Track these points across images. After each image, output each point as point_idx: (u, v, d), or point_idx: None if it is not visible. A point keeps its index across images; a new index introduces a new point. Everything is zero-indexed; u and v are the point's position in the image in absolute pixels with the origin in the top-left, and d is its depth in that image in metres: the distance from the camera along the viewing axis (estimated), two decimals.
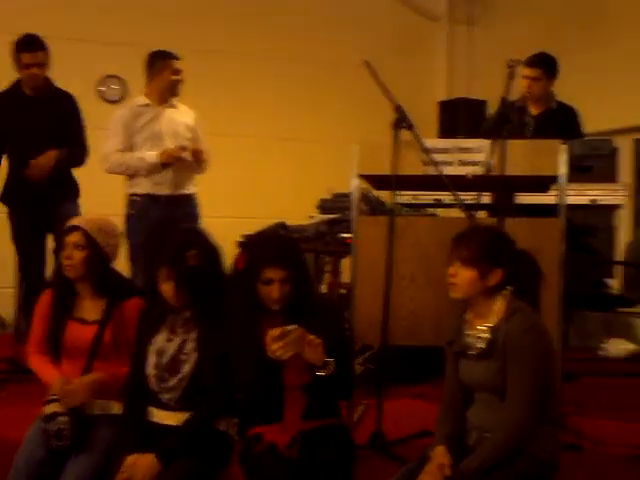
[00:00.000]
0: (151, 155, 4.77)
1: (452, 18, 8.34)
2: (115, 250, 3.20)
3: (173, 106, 4.93)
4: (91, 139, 6.84)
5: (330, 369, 2.66)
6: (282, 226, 4.97)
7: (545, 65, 4.91)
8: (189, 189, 4.94)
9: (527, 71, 4.91)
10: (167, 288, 2.88)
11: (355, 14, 7.83)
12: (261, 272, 2.78)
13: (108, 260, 3.15)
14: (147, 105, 4.88)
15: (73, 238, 3.10)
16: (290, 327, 2.59)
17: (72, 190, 4.95)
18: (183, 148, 4.77)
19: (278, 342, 2.57)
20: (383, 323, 3.42)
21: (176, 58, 4.87)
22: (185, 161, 4.79)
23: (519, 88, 4.89)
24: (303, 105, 7.52)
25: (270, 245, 2.90)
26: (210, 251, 2.98)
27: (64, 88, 6.82)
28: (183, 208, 4.85)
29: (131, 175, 4.86)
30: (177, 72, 4.85)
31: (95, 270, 3.11)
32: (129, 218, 4.84)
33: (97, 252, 3.09)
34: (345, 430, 2.95)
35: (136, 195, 4.86)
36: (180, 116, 4.93)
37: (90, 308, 3.15)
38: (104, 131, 6.87)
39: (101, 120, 6.98)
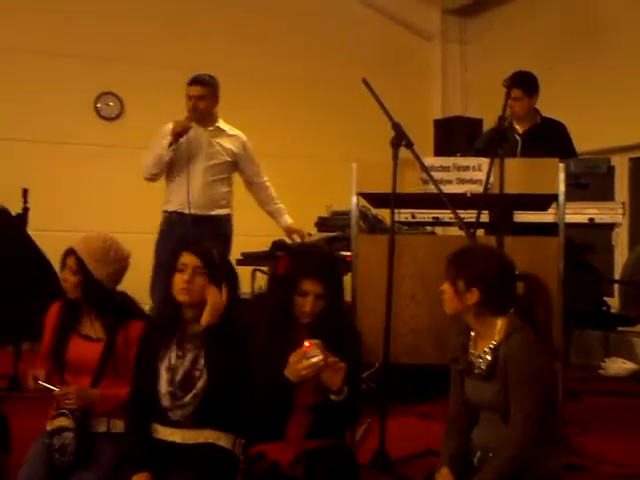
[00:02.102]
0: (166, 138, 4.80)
1: (446, 37, 8.39)
2: (112, 276, 3.14)
3: (218, 129, 4.94)
4: (87, 155, 6.95)
5: (343, 396, 2.65)
6: (281, 244, 4.98)
7: (522, 84, 4.91)
8: (219, 210, 4.92)
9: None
10: (197, 280, 2.89)
11: (351, 34, 7.88)
12: (299, 283, 2.79)
13: (102, 285, 3.10)
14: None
15: (69, 261, 3.10)
16: (315, 341, 2.61)
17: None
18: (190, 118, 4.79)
19: (303, 361, 2.59)
20: (385, 341, 3.42)
21: (192, 83, 4.85)
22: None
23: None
24: (301, 123, 7.57)
25: (313, 257, 2.92)
26: (230, 264, 3.04)
27: (60, 104, 6.92)
28: (211, 228, 4.81)
29: (158, 164, 4.83)
30: (189, 98, 4.83)
31: (90, 293, 3.09)
32: (159, 234, 4.89)
33: (89, 278, 3.07)
34: (348, 449, 2.95)
35: (166, 212, 4.91)
36: (222, 140, 4.94)
37: (94, 326, 3.13)
38: (101, 148, 6.99)
39: (97, 137, 7.07)
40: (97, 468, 2.87)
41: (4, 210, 3.93)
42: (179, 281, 2.91)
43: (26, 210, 5.13)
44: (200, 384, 2.86)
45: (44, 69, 6.97)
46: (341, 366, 2.64)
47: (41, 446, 2.94)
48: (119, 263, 3.16)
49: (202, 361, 2.89)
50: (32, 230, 5.11)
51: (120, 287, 3.22)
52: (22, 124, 6.85)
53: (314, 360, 2.60)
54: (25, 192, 5.14)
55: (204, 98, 4.83)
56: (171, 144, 4.75)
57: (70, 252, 3.10)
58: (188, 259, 2.94)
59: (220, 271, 2.95)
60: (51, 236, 6.01)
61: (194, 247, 3.01)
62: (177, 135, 4.75)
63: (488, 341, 2.66)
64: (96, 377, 3.05)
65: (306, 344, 2.62)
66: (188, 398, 2.86)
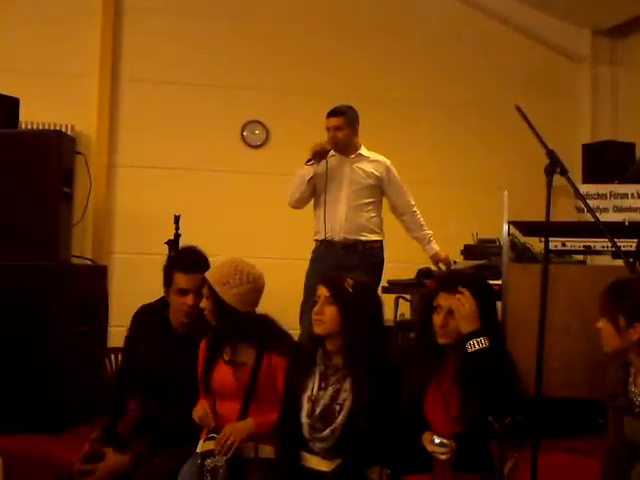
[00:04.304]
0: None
1: (596, 59, 8.12)
2: (243, 298, 3.16)
3: (359, 156, 5.00)
4: (234, 182, 7.13)
5: (482, 345, 2.63)
6: (427, 272, 4.94)
7: None
8: (368, 236, 4.93)
9: None
10: (327, 311, 2.91)
11: (498, 57, 7.76)
12: (436, 296, 2.79)
13: (232, 309, 3.14)
14: (332, 156, 4.96)
15: (204, 290, 3.18)
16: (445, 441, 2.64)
17: None
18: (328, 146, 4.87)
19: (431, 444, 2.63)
20: (537, 374, 3.31)
21: (330, 114, 4.95)
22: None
23: None
24: (446, 149, 7.49)
25: (453, 275, 2.90)
26: (368, 293, 3.00)
27: (209, 132, 7.15)
28: (362, 255, 4.85)
29: (300, 185, 4.93)
30: (327, 129, 4.93)
31: (222, 317, 3.15)
32: (310, 262, 4.96)
33: (219, 303, 3.13)
34: None
35: (317, 241, 4.99)
36: (364, 165, 4.98)
37: (237, 351, 3.19)
38: (247, 175, 7.15)
39: (243, 164, 7.24)
40: None
41: None
42: (312, 313, 2.94)
43: (178, 236, 5.30)
44: (340, 419, 2.85)
45: (193, 99, 7.19)
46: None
47: (193, 467, 3.02)
48: (249, 284, 3.18)
49: (343, 395, 2.89)
50: None
51: (269, 312, 3.28)
52: (173, 153, 7.09)
53: (440, 457, 2.64)
54: (177, 219, 5.31)
55: (342, 128, 4.91)
56: (309, 161, 4.83)
57: (204, 280, 3.19)
58: (320, 291, 2.97)
59: (353, 300, 2.92)
60: None
61: (325, 278, 3.04)
62: (316, 153, 4.83)
63: None
64: (245, 402, 3.11)
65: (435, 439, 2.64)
66: (327, 432, 2.86)
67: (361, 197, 4.93)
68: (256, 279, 3.22)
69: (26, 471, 3.97)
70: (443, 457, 2.62)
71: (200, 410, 3.14)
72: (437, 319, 2.76)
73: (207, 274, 3.19)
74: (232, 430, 3.02)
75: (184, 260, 3.46)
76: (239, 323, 3.15)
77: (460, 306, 2.67)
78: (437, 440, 2.63)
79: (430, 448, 2.64)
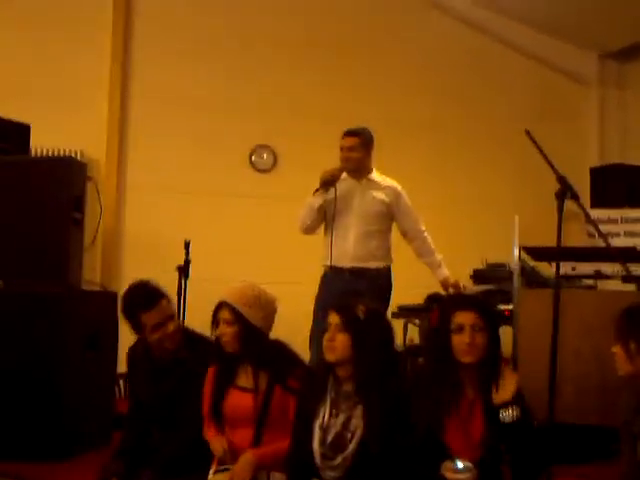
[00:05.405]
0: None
1: (603, 82, 8.13)
2: (266, 321, 3.19)
3: (371, 181, 4.97)
4: (243, 206, 7.13)
5: (513, 413, 2.61)
6: (435, 297, 4.92)
7: None
8: (377, 263, 4.89)
9: None
10: (339, 338, 2.89)
11: (504, 81, 7.79)
12: (452, 318, 2.75)
13: (260, 332, 3.15)
14: (344, 179, 4.93)
15: (223, 315, 3.14)
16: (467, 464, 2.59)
17: None
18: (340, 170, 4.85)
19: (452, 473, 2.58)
20: (549, 399, 3.30)
21: (345, 135, 4.91)
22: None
23: None
24: (454, 174, 7.50)
25: (461, 295, 2.88)
26: (380, 320, 2.99)
27: (218, 157, 7.16)
28: (369, 281, 4.78)
29: (309, 213, 4.90)
30: (341, 149, 4.89)
31: (249, 342, 3.13)
32: (318, 288, 4.92)
33: (247, 326, 3.11)
34: None
35: (325, 266, 4.95)
36: (374, 191, 4.94)
37: (250, 377, 3.15)
38: (255, 199, 7.16)
39: (252, 188, 7.26)
40: None
41: None
42: (324, 340, 2.92)
43: (188, 262, 5.27)
44: (351, 447, 2.82)
45: (203, 124, 7.21)
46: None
47: None
48: (269, 307, 3.20)
49: (354, 422, 2.85)
50: (192, 281, 5.24)
51: (278, 337, 3.26)
52: (183, 177, 7.12)
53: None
54: (187, 244, 5.29)
55: (356, 149, 4.87)
56: (318, 190, 4.81)
57: (223, 305, 3.15)
58: (331, 318, 2.94)
59: (365, 327, 2.90)
60: (209, 288, 6.23)
61: (337, 305, 3.01)
62: (325, 183, 4.81)
63: None
64: (257, 430, 3.08)
65: (458, 464, 2.60)
66: (338, 460, 2.83)
67: (370, 224, 4.88)
68: (272, 302, 3.24)
69: None
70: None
71: (219, 448, 3.09)
72: (461, 338, 2.73)
73: (229, 299, 3.14)
74: (237, 473, 2.98)
75: (142, 300, 3.39)
76: (263, 347, 3.15)
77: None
78: (461, 465, 2.59)
79: (451, 476, 2.60)
